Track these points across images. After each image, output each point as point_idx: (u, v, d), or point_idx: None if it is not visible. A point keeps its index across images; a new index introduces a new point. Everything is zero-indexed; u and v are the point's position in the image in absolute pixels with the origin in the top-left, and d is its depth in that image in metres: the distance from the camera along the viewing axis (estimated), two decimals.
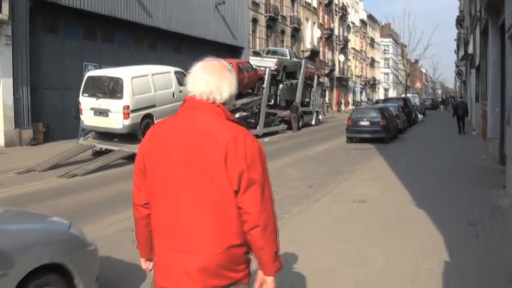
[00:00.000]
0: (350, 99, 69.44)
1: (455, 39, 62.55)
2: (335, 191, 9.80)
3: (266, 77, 24.27)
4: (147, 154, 2.35)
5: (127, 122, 15.04)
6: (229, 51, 33.08)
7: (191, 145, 2.22)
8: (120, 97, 15.00)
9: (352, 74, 72.22)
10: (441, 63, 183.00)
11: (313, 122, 33.31)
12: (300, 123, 30.08)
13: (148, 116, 15.73)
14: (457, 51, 59.88)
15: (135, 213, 2.49)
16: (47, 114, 20.62)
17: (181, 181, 2.23)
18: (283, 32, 45.11)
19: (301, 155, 16.65)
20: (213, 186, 2.19)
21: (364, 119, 20.37)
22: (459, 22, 43.95)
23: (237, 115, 23.30)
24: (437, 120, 37.14)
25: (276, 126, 26.68)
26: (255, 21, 39.00)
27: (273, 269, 2.31)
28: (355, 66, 75.43)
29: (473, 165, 12.97)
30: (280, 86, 30.75)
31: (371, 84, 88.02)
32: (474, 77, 24.74)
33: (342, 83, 66.03)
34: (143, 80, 15.72)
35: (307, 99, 33.01)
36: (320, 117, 35.75)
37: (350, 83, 71.23)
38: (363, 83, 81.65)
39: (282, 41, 44.81)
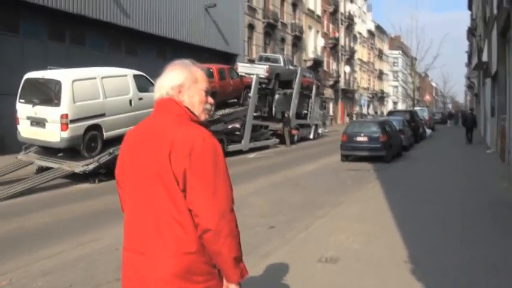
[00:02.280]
0: (354, 113, 66.40)
1: (466, 51, 59.91)
2: (301, 236, 6.93)
3: (253, 84, 21.41)
4: (119, 161, 2.32)
5: (65, 135, 12.34)
6: (221, 58, 30.30)
7: (149, 149, 2.15)
8: (58, 104, 12.32)
9: (358, 86, 69.32)
10: (451, 77, 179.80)
11: (311, 136, 30.43)
12: (296, 137, 27.29)
13: (95, 128, 13.00)
14: (468, 64, 57.18)
15: None
16: (2, 124, 18.00)
17: (142, 186, 2.17)
18: (283, 40, 42.39)
19: (281, 177, 13.79)
20: (164, 189, 2.10)
21: (362, 134, 17.47)
22: (471, 32, 41.38)
23: (229, 126, 20.61)
24: (447, 136, 34.09)
25: (266, 140, 23.81)
26: (251, 27, 36.31)
27: (234, 276, 2.16)
28: (362, 78, 72.56)
29: (491, 197, 10.05)
30: (276, 96, 28.07)
31: (379, 97, 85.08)
32: (489, 88, 21.84)
33: (347, 95, 63.15)
34: (89, 83, 12.99)
35: (305, 111, 30.14)
36: (320, 130, 32.81)
37: (356, 95, 68.34)
38: (371, 95, 78.75)
39: (282, 49, 42.09)
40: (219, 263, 2.14)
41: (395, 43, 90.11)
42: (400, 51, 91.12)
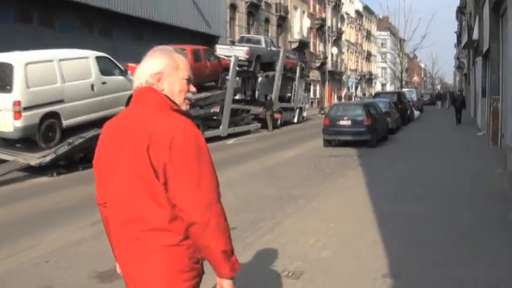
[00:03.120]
0: (343, 94, 65.34)
1: (455, 32, 58.90)
2: (264, 240, 5.95)
3: (231, 66, 20.23)
4: (97, 152, 2.23)
5: (19, 124, 11.23)
6: (202, 40, 29.05)
7: (127, 142, 2.07)
8: (9, 90, 11.17)
9: (346, 68, 68.20)
10: (440, 57, 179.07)
11: (295, 120, 29.35)
12: (279, 122, 26.26)
13: (52, 115, 11.89)
14: (457, 44, 56.19)
15: (100, 212, 2.31)
16: None
17: (121, 180, 2.08)
18: (267, 21, 41.14)
19: (258, 165, 12.80)
20: (143, 184, 2.02)
21: (345, 118, 16.46)
22: (460, 10, 40.40)
23: (208, 111, 19.54)
24: (435, 118, 33.20)
25: (247, 125, 22.74)
26: (233, 7, 35.04)
27: (225, 270, 2.05)
28: (350, 60, 71.41)
29: (485, 186, 9.14)
30: (259, 79, 26.98)
31: (367, 79, 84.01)
32: (480, 67, 20.89)
33: (334, 76, 62.07)
34: (45, 67, 11.84)
35: (289, 94, 29.05)
36: (304, 114, 31.75)
37: (344, 77, 67.26)
38: (358, 77, 77.68)
39: (267, 31, 40.90)
40: (208, 257, 2.06)
41: (384, 24, 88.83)
42: (389, 33, 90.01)
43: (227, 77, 20.31)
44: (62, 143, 12.07)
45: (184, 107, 2.20)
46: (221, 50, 23.02)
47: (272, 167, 12.49)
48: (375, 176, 10.46)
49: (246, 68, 23.73)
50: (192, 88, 2.22)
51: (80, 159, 12.72)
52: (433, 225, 6.45)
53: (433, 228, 6.33)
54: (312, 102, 51.02)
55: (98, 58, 13.49)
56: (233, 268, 2.06)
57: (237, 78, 24.33)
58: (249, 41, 26.31)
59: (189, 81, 2.21)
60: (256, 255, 5.38)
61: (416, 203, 7.75)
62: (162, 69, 2.13)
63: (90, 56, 13.36)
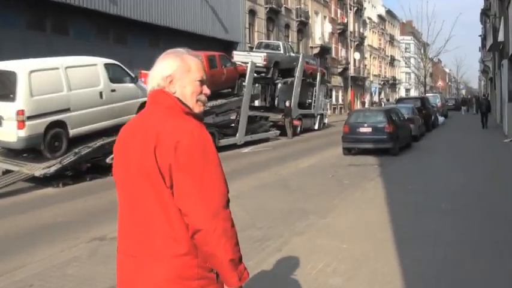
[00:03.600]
0: (367, 100, 64.39)
1: (479, 35, 57.54)
2: (268, 263, 5.35)
3: (248, 73, 19.66)
4: (114, 158, 2.19)
5: (22, 133, 10.86)
6: (220, 46, 28.58)
7: (137, 144, 2.01)
8: (13, 99, 10.81)
9: (369, 73, 67.19)
10: (464, 62, 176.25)
11: (316, 127, 28.67)
12: (299, 129, 25.61)
13: (58, 124, 11.49)
14: (481, 48, 54.83)
15: None
16: None
17: (132, 184, 2.03)
18: (287, 26, 40.57)
19: (272, 175, 12.21)
20: (151, 187, 1.96)
21: (365, 125, 15.75)
22: (484, 13, 39.30)
23: (224, 118, 19.10)
24: (460, 124, 32.17)
25: (265, 132, 22.13)
26: (252, 13, 34.56)
27: (232, 280, 1.96)
28: (373, 65, 70.36)
29: None
30: (279, 85, 26.44)
31: (391, 84, 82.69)
32: (506, 70, 19.97)
33: (357, 82, 61.18)
34: (50, 74, 11.47)
35: (309, 100, 28.39)
36: (326, 120, 31.03)
37: (367, 82, 66.26)
38: (382, 82, 76.51)
39: (287, 36, 40.35)
40: (214, 266, 1.96)
41: (407, 28, 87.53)
42: (412, 37, 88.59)
43: (244, 84, 19.74)
44: (68, 152, 11.66)
45: (197, 109, 2.12)
46: (238, 56, 22.48)
47: (286, 177, 11.88)
48: (395, 188, 9.76)
49: (264, 74, 23.11)
50: (206, 90, 2.15)
51: (87, 169, 12.29)
52: (460, 250, 5.75)
53: (461, 254, 5.64)
54: (334, 109, 50.25)
55: (107, 65, 13.09)
56: (241, 277, 1.98)
57: (256, 85, 23.91)
58: (267, 46, 25.73)
59: (202, 82, 2.14)
60: (256, 283, 4.77)
61: (442, 221, 7.04)
62: (173, 71, 2.09)
63: (98, 63, 12.96)
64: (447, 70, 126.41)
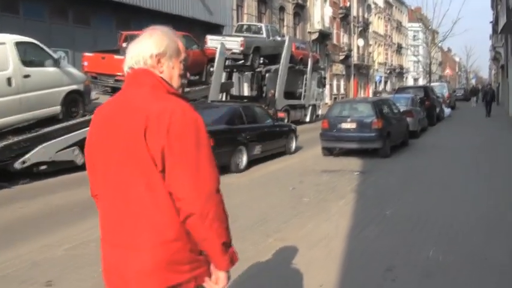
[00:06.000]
0: (370, 90, 61.30)
1: (490, 22, 54.21)
2: None
3: (216, 57, 16.86)
4: (89, 141, 2.08)
5: None
6: (203, 29, 25.82)
7: (121, 127, 1.91)
8: None
9: (374, 61, 63.97)
10: (474, 50, 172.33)
11: (307, 119, 25.77)
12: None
13: None
14: (492, 35, 51.55)
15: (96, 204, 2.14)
16: None
17: (115, 170, 1.93)
18: (282, 9, 37.50)
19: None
20: (139, 171, 1.87)
21: (349, 120, 12.90)
22: None
23: None
24: (468, 116, 29.18)
25: None
26: None
27: (223, 263, 1.95)
28: (378, 53, 67.09)
29: None
30: (267, 74, 23.61)
31: (397, 73, 79.32)
32: None
33: (361, 70, 58.10)
34: None
35: (300, 90, 25.51)
36: (319, 112, 28.03)
37: (371, 71, 63.11)
38: (388, 71, 73.26)
39: (282, 20, 37.37)
40: (206, 249, 1.92)
41: (416, 15, 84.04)
42: (421, 24, 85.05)
43: (211, 69, 16.95)
44: None
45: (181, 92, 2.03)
46: (212, 41, 19.56)
47: (231, 191, 9.04)
48: (370, 213, 6.99)
49: (242, 61, 20.29)
50: (187, 74, 2.09)
51: None
52: None
53: None
54: (335, 98, 47.30)
55: (18, 44, 10.37)
56: (232, 260, 1.96)
57: (237, 73, 21.22)
58: (248, 30, 22.89)
59: (185, 65, 2.06)
60: None
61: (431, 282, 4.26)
62: (163, 50, 1.97)
63: (7, 41, 10.21)
64: (457, 59, 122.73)
